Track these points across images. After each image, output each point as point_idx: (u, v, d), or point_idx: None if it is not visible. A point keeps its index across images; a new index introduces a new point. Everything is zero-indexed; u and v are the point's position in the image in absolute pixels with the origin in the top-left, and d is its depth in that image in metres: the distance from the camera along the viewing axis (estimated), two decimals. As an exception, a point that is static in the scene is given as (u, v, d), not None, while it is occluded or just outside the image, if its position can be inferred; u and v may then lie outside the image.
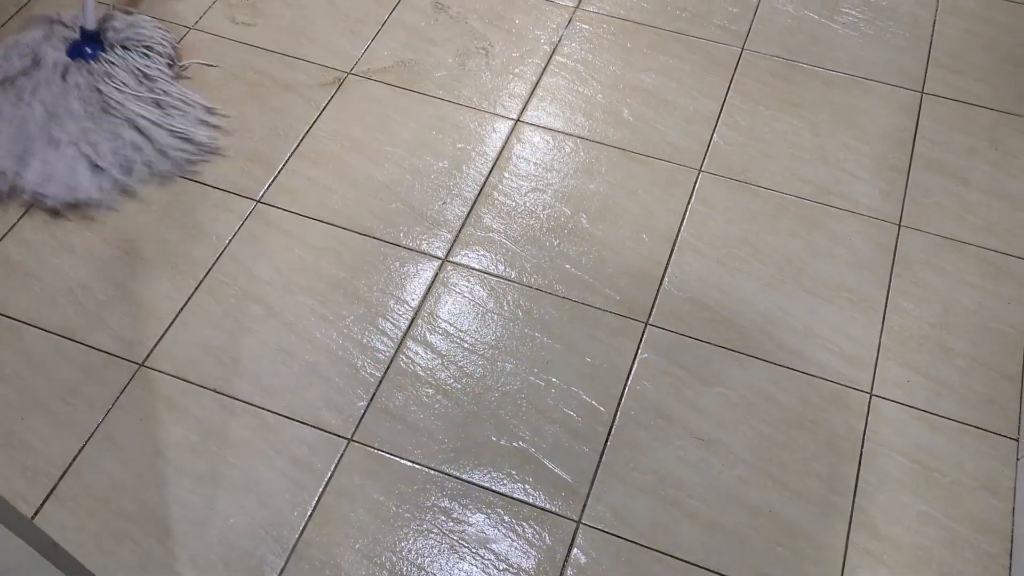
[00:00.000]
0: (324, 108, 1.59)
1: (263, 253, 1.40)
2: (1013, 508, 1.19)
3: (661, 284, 1.39)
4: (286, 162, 1.51)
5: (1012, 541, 1.16)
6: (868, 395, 1.28)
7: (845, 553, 1.15)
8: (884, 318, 1.36)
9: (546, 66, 1.66)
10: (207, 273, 1.38)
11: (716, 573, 1.14)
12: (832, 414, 1.27)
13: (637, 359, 1.31)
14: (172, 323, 1.32)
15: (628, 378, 1.29)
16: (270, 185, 1.48)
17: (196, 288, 1.36)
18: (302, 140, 1.54)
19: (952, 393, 1.28)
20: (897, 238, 1.44)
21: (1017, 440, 1.24)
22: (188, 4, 1.73)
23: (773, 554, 1.15)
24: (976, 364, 1.31)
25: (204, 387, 1.26)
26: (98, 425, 1.22)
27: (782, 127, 1.57)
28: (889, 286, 1.39)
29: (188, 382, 1.27)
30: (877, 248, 1.43)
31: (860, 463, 1.23)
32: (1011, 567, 1.14)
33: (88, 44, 1.55)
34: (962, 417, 1.26)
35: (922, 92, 1.62)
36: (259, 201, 1.46)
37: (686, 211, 1.47)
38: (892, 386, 1.29)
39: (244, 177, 1.49)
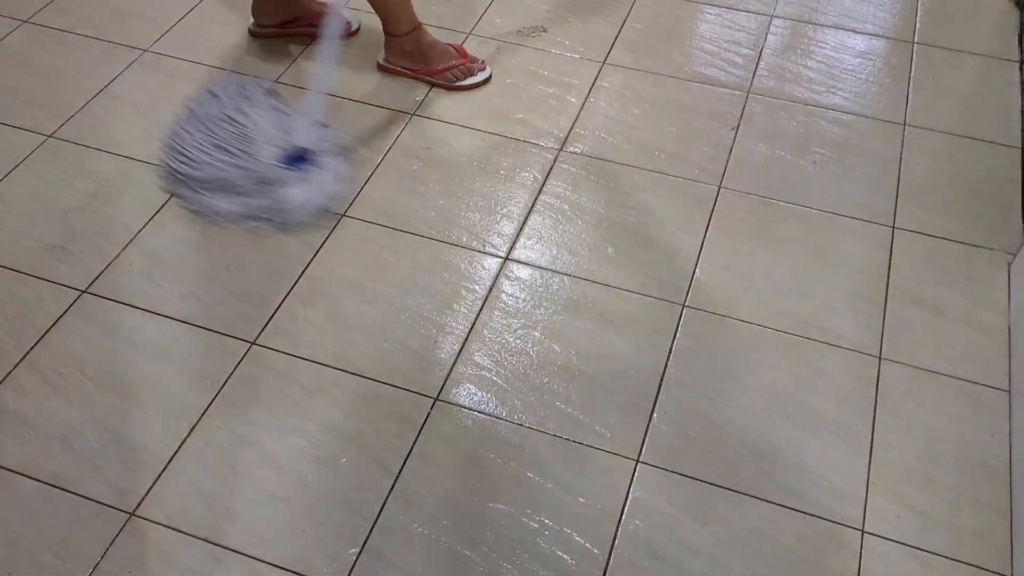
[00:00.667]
0: (319, 249, 1.64)
1: (257, 396, 1.42)
2: (1013, 649, 1.18)
3: (650, 420, 1.41)
4: (281, 303, 1.55)
5: None
6: (860, 532, 1.29)
7: None
8: (871, 451, 1.38)
9: (532, 205, 1.73)
10: (200, 417, 1.39)
11: None
12: (826, 553, 1.27)
13: (629, 498, 1.32)
14: (164, 469, 1.33)
15: (621, 518, 1.30)
16: (265, 326, 1.51)
17: (189, 433, 1.37)
18: (297, 281, 1.58)
19: (942, 528, 1.29)
20: (878, 370, 1.48)
21: (1011, 576, 1.24)
22: (189, 150, 1.81)
23: None
24: (963, 498, 1.33)
25: (195, 536, 1.26)
26: (86, 579, 1.21)
27: (761, 263, 1.64)
28: (874, 419, 1.42)
29: (179, 531, 1.26)
30: (859, 381, 1.46)
31: (856, 604, 1.22)
32: None
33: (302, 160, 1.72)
34: (953, 554, 1.27)
35: (893, 227, 1.70)
36: (254, 343, 1.49)
37: (672, 346, 1.51)
38: (883, 522, 1.30)
39: (239, 319, 1.52)
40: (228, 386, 1.43)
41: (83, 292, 1.55)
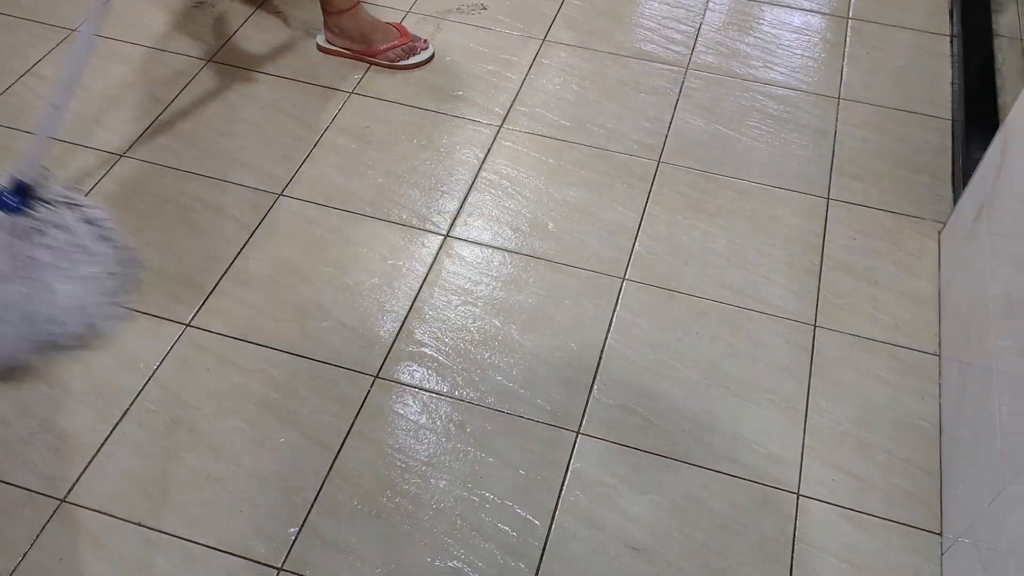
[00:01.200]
0: (255, 230, 1.61)
1: (192, 378, 1.40)
2: (941, 603, 1.21)
3: (591, 392, 1.42)
4: (217, 284, 1.52)
5: (943, 636, 1.18)
6: (796, 496, 1.31)
7: (782, 659, 1.16)
8: (806, 418, 1.40)
9: (473, 182, 1.72)
10: (133, 401, 1.36)
11: None
12: (763, 517, 1.29)
13: (569, 470, 1.32)
14: (95, 455, 1.30)
15: (561, 490, 1.30)
16: (200, 308, 1.49)
17: (121, 417, 1.34)
18: (233, 262, 1.56)
19: (875, 490, 1.32)
20: (813, 339, 1.50)
21: (940, 534, 1.28)
22: (114, 132, 1.76)
23: (712, 665, 1.15)
24: (896, 460, 1.36)
25: (129, 521, 1.23)
26: (15, 568, 1.18)
27: (699, 235, 1.65)
28: (809, 386, 1.44)
29: (112, 516, 1.23)
30: (795, 349, 1.49)
31: (792, 565, 1.24)
32: (944, 664, 1.16)
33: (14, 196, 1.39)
34: (887, 514, 1.30)
35: (828, 198, 1.73)
36: (188, 325, 1.46)
37: (612, 319, 1.52)
38: (818, 485, 1.32)
39: (174, 302, 1.49)
40: (162, 369, 1.40)
41: (9, 277, 1.51)
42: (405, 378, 1.42)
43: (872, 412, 1.41)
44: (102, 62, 1.91)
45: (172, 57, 1.94)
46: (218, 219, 1.62)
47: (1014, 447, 1.09)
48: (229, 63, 1.93)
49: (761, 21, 2.14)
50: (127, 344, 1.43)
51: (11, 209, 1.38)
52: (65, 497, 1.25)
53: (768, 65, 2.02)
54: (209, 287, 1.52)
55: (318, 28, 1.98)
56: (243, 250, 1.58)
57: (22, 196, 1.39)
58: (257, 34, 2.01)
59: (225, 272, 1.54)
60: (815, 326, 1.52)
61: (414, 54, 1.95)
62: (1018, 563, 1.00)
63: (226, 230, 1.61)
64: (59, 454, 1.29)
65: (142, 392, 1.37)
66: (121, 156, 1.72)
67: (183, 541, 1.22)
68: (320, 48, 1.97)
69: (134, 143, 1.75)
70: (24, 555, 1.19)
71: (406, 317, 1.50)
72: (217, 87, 1.88)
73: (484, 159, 1.77)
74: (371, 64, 1.95)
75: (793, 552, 1.25)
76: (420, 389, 1.41)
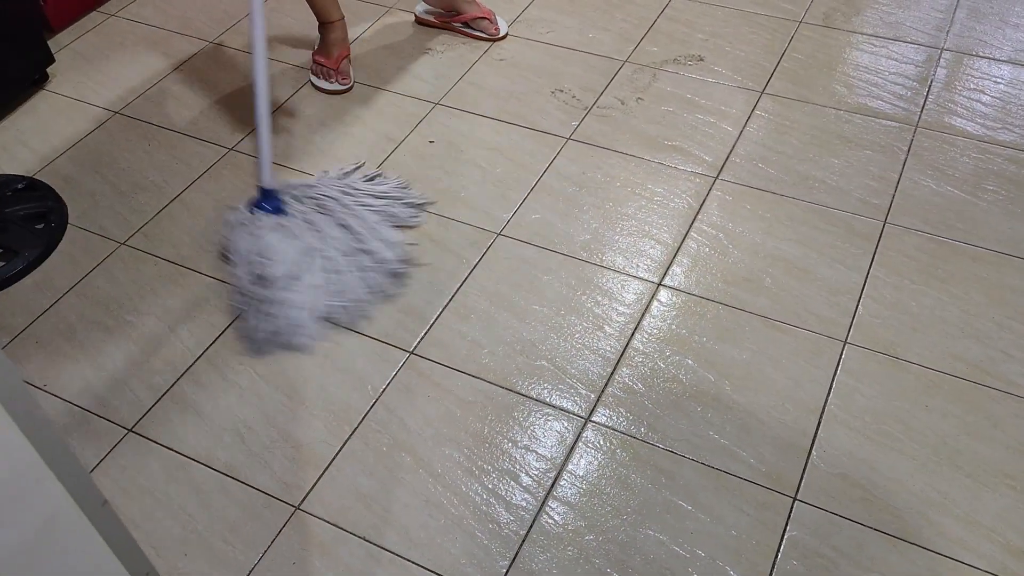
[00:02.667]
0: (475, 266, 1.68)
1: (414, 404, 1.47)
2: None
3: (809, 457, 1.37)
4: (439, 316, 1.60)
5: None
6: (1041, 595, 1.20)
7: None
8: (1053, 510, 1.29)
9: (687, 232, 1.72)
10: (362, 420, 1.44)
11: None
12: (1001, 613, 1.19)
13: (786, 536, 1.28)
14: (327, 468, 1.38)
15: (777, 556, 1.26)
16: (423, 337, 1.56)
17: (351, 435, 1.43)
18: (454, 296, 1.63)
19: None
20: (1062, 424, 1.38)
21: None
22: (351, 162, 1.90)
23: None
24: None
25: (354, 534, 1.30)
26: (254, 566, 1.27)
27: (930, 302, 1.56)
28: (1056, 475, 1.32)
29: (340, 528, 1.31)
30: (1040, 433, 1.37)
31: (1037, 672, 1.13)
32: None
33: (267, 201, 1.71)
34: None
35: (1078, 272, 1.59)
36: (412, 352, 1.54)
37: (832, 383, 1.46)
38: (1068, 587, 1.21)
39: (400, 329, 1.58)
40: (387, 392, 1.48)
41: (256, 295, 1.65)
42: (615, 423, 1.43)
43: None
44: (344, 102, 2.07)
45: (403, 99, 2.07)
46: (441, 253, 1.71)
47: None
48: (456, 107, 2.04)
49: (998, 79, 2.02)
50: (357, 365, 1.52)
51: (274, 212, 1.69)
52: (300, 505, 1.34)
53: (1007, 126, 1.90)
54: (432, 318, 1.59)
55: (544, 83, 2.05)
56: (463, 285, 1.65)
57: (273, 200, 1.70)
58: (481, 80, 2.12)
59: (447, 305, 1.61)
60: (1064, 411, 1.40)
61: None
62: None
63: (448, 264, 1.69)
64: (295, 463, 1.39)
65: (369, 413, 1.45)
66: (356, 189, 1.85)
67: (403, 560, 1.27)
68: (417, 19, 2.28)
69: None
70: (263, 554, 1.28)
71: (617, 362, 1.51)
72: (444, 128, 1.98)
73: (699, 210, 1.76)
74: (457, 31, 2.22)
75: (1038, 658, 1.15)
76: (629, 436, 1.41)
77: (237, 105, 2.08)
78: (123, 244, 1.76)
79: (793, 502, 1.32)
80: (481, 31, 2.23)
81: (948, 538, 1.26)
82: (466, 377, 1.50)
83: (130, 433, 1.45)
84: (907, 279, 1.60)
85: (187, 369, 1.53)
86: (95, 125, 2.05)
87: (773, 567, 1.25)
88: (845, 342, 1.52)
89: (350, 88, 2.09)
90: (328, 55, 2.08)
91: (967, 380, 1.45)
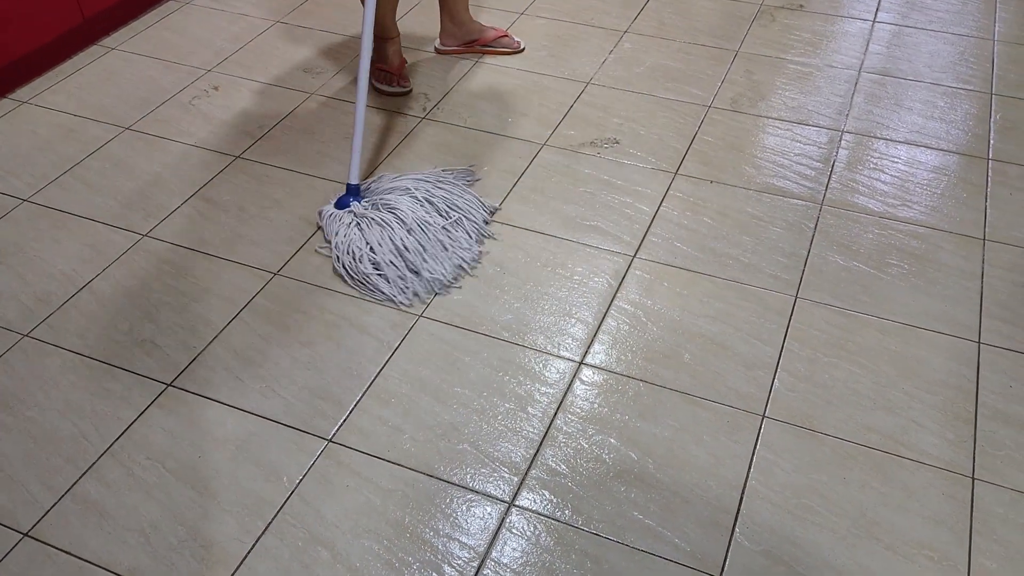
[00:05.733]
0: (396, 349, 1.66)
1: (332, 494, 1.42)
2: None
3: (732, 535, 1.36)
4: (358, 402, 1.56)
5: None
6: (963, 667, 1.20)
7: None
8: (970, 579, 1.30)
9: (607, 311, 1.74)
10: (276, 514, 1.39)
11: None
12: None
13: (712, 618, 1.26)
14: (238, 568, 1.31)
15: (704, 640, 1.24)
16: (342, 424, 1.52)
17: (264, 530, 1.36)
18: (374, 380, 1.60)
19: (1055, 667, 1.20)
20: (972, 492, 1.41)
21: None
22: (269, 251, 1.87)
23: None
24: (1076, 634, 1.24)
25: (266, 638, 1.23)
26: None
27: (842, 374, 1.60)
28: (970, 545, 1.34)
29: (250, 632, 1.24)
30: (953, 502, 1.40)
31: None
32: None
33: (352, 196, 1.93)
34: None
35: (979, 342, 1.66)
36: (330, 440, 1.50)
37: (752, 458, 1.47)
38: (988, 657, 1.21)
39: (317, 416, 1.53)
40: (304, 483, 1.43)
41: (168, 385, 1.59)
42: (539, 507, 1.40)
43: (1045, 578, 1.30)
44: (260, 186, 2.05)
45: (320, 181, 2.07)
46: (361, 337, 1.68)
47: None
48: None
49: (895, 159, 2.14)
50: (272, 456, 1.47)
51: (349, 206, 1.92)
52: (207, 608, 1.27)
53: (906, 203, 2.00)
54: (351, 404, 1.56)
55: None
56: (383, 369, 1.62)
57: (357, 196, 1.94)
58: (403, 162, 2.13)
59: (367, 390, 1.58)
60: (973, 479, 1.43)
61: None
62: None
63: (368, 348, 1.66)
64: (204, 563, 1.32)
65: (284, 506, 1.40)
66: (274, 274, 1.82)
67: (318, 664, 1.20)
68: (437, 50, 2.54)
69: (288, 262, 1.85)
70: (165, 666, 1.20)
71: (541, 444, 1.50)
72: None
73: (618, 288, 1.79)
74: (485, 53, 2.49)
75: None
76: (554, 520, 1.38)
77: (152, 191, 2.05)
78: (26, 336, 1.69)
79: (719, 582, 1.30)
80: (504, 47, 2.51)
81: (871, 612, 1.26)
82: (386, 464, 1.46)
83: (25, 538, 1.36)
84: (820, 352, 1.64)
85: (90, 466, 1.46)
86: (2, 213, 1.98)
87: (701, 651, 1.22)
88: (763, 416, 1.53)
89: (410, 91, 2.36)
90: (389, 63, 2.34)
91: (881, 451, 1.48)
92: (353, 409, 1.55)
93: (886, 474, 1.44)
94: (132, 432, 1.51)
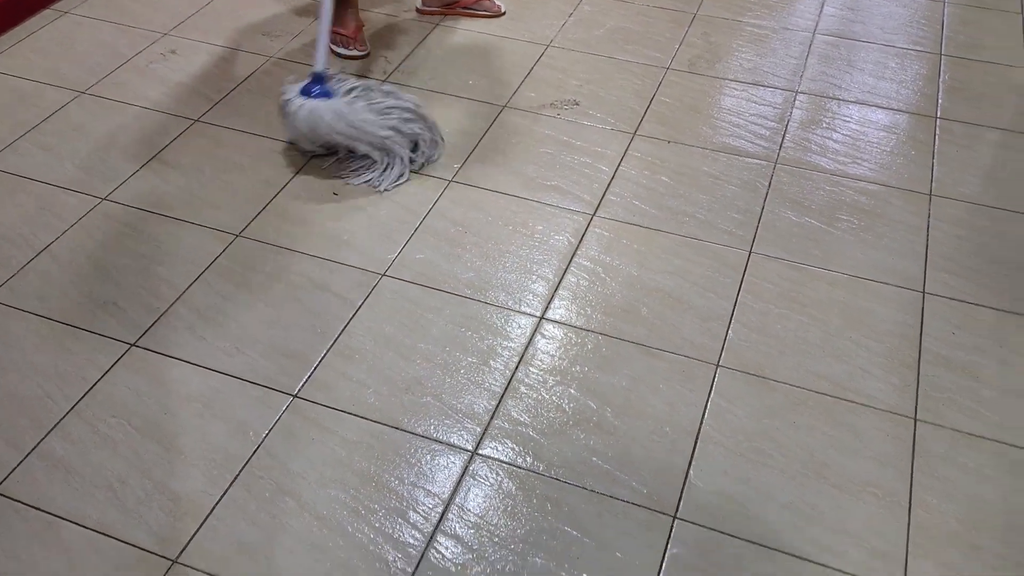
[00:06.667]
0: (359, 308, 1.68)
1: (298, 447, 1.44)
2: None
3: (687, 478, 1.41)
4: (322, 359, 1.58)
5: None
6: (903, 594, 1.27)
7: None
8: (910, 515, 1.37)
9: (567, 267, 1.77)
10: (243, 467, 1.41)
11: None
12: (868, 614, 1.25)
13: (667, 555, 1.31)
14: (207, 518, 1.34)
15: (659, 575, 1.29)
16: (306, 381, 1.55)
17: (232, 483, 1.39)
18: (338, 338, 1.62)
19: (988, 591, 1.27)
20: (914, 433, 1.48)
21: (1060, 642, 1.22)
22: (231, 213, 1.88)
23: None
24: (1010, 564, 1.31)
25: (235, 585, 1.26)
26: (127, 625, 1.21)
27: (793, 325, 1.66)
28: (912, 482, 1.41)
29: (220, 579, 1.27)
30: (897, 443, 1.47)
31: (902, 667, 1.20)
32: None
33: (317, 84, 1.96)
34: (1001, 617, 1.25)
35: (923, 292, 1.72)
36: (295, 396, 1.52)
37: (707, 405, 1.52)
38: (926, 584, 1.28)
39: (282, 374, 1.56)
40: (270, 438, 1.46)
41: (132, 345, 1.60)
42: (502, 455, 1.44)
43: (982, 512, 1.37)
44: (219, 149, 2.05)
45: (282, 145, 2.07)
46: (325, 296, 1.70)
47: None
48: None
49: (848, 119, 2.19)
50: (238, 412, 1.49)
51: (322, 95, 1.95)
52: (177, 558, 1.29)
53: (856, 161, 2.05)
54: (315, 361, 1.58)
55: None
56: (347, 327, 1.65)
57: (322, 83, 1.96)
58: (363, 125, 2.14)
59: (330, 347, 1.61)
60: (915, 420, 1.50)
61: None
62: None
63: (332, 307, 1.68)
64: (173, 516, 1.34)
65: (251, 459, 1.42)
66: (236, 236, 1.83)
67: (287, 607, 1.24)
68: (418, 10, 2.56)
69: (249, 224, 1.85)
70: (136, 613, 1.23)
71: (503, 395, 1.53)
72: (328, 176, 1.99)
73: (578, 245, 1.82)
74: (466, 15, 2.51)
75: (903, 653, 1.21)
76: (516, 467, 1.43)
77: (110, 155, 2.03)
78: (-14, 299, 1.68)
79: (673, 521, 1.36)
80: (484, 10, 2.53)
81: (819, 546, 1.33)
82: (351, 418, 1.49)
83: (-9, 496, 1.37)
84: (772, 304, 1.70)
85: (55, 425, 1.47)
86: (-44, 177, 1.96)
87: (656, 586, 1.28)
88: (717, 365, 1.59)
89: (367, 55, 2.36)
90: (346, 26, 2.33)
91: (830, 396, 1.54)
92: (318, 366, 1.57)
93: (834, 418, 1.50)
94: (97, 392, 1.52)
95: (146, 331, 1.63)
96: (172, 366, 1.57)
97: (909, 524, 1.36)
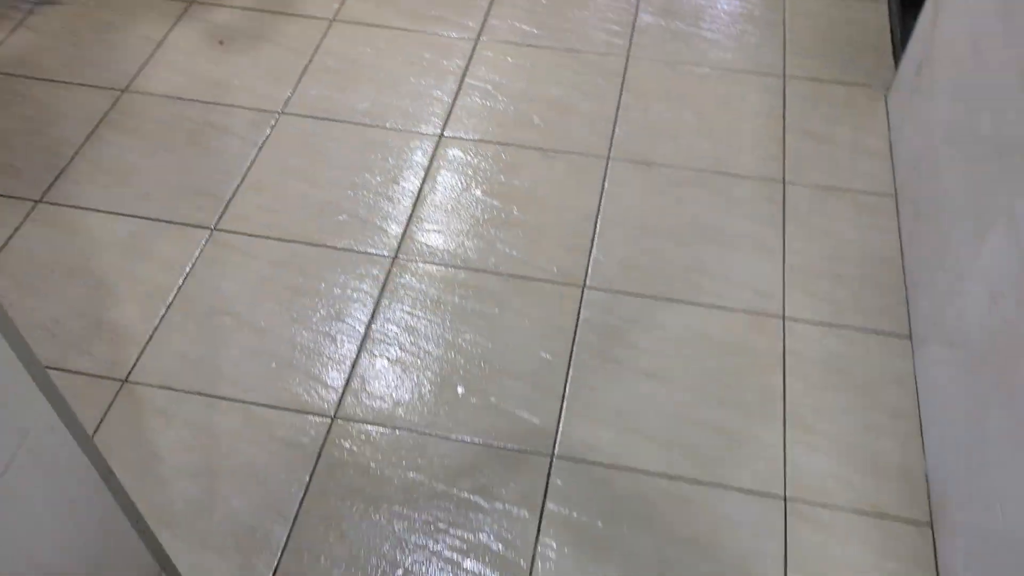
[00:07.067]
0: (263, 145, 1.72)
1: (225, 273, 1.51)
2: (917, 393, 1.39)
3: (591, 254, 1.56)
4: (234, 194, 1.63)
5: (920, 421, 1.36)
6: (782, 320, 1.48)
7: (785, 448, 1.32)
8: (784, 258, 1.56)
9: (459, 89, 1.85)
10: (175, 296, 1.47)
11: (677, 479, 1.28)
12: (756, 339, 1.45)
13: (580, 317, 1.47)
14: (149, 342, 1.41)
15: (575, 333, 1.45)
16: (222, 215, 1.60)
17: (167, 310, 1.45)
18: (247, 174, 1.67)
19: (851, 310, 1.49)
20: (784, 193, 1.67)
21: (911, 338, 1.45)
22: (113, 71, 1.85)
23: (724, 458, 1.31)
24: (867, 284, 1.53)
25: (189, 392, 1.35)
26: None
27: (671, 116, 1.80)
28: (784, 233, 1.60)
29: (173, 390, 1.35)
30: (769, 203, 1.65)
31: (785, 375, 1.41)
32: (924, 443, 1.33)
33: None
34: (863, 326, 1.47)
35: (784, 76, 1.89)
36: (214, 229, 1.57)
37: (602, 192, 1.66)
38: (801, 310, 1.49)
39: (197, 211, 1.60)
40: (196, 268, 1.52)
41: (38, 202, 1.60)
42: (422, 255, 1.55)
43: (842, 248, 1.58)
44: (89, 12, 1.99)
45: (153, 1, 2.02)
46: (226, 138, 1.73)
47: (962, 260, 1.26)
48: (211, 2, 2.03)
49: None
50: (161, 250, 1.54)
51: None
52: (127, 378, 1.36)
53: (717, -32, 2.17)
54: (227, 196, 1.63)
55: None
56: (254, 163, 1.69)
57: None
58: (235, -24, 2.11)
59: (241, 183, 1.65)
60: (784, 183, 1.68)
61: None
62: (974, 351, 1.18)
63: (234, 147, 1.72)
64: (115, 344, 1.40)
65: (182, 288, 1.48)
66: (123, 91, 1.81)
67: (242, 403, 1.34)
68: None
69: (134, 78, 1.84)
70: (95, 430, 1.30)
71: (414, 205, 1.63)
72: (204, 24, 1.97)
73: (466, 68, 1.90)
74: None
75: (785, 364, 1.42)
76: (435, 264, 1.54)
77: (-29, 27, 1.95)
78: None
79: (583, 291, 1.51)
80: None
81: (710, 293, 1.51)
82: (273, 242, 1.56)
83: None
84: (651, 101, 1.83)
85: (-24, 282, 1.48)
86: None
87: (573, 343, 1.44)
88: (608, 158, 1.72)
89: None
90: None
91: (709, 171, 1.70)
92: (231, 200, 1.62)
93: (713, 189, 1.67)
94: (11, 249, 1.53)
95: (50, 187, 1.63)
96: (85, 216, 1.59)
97: (784, 266, 1.55)
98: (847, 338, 1.45)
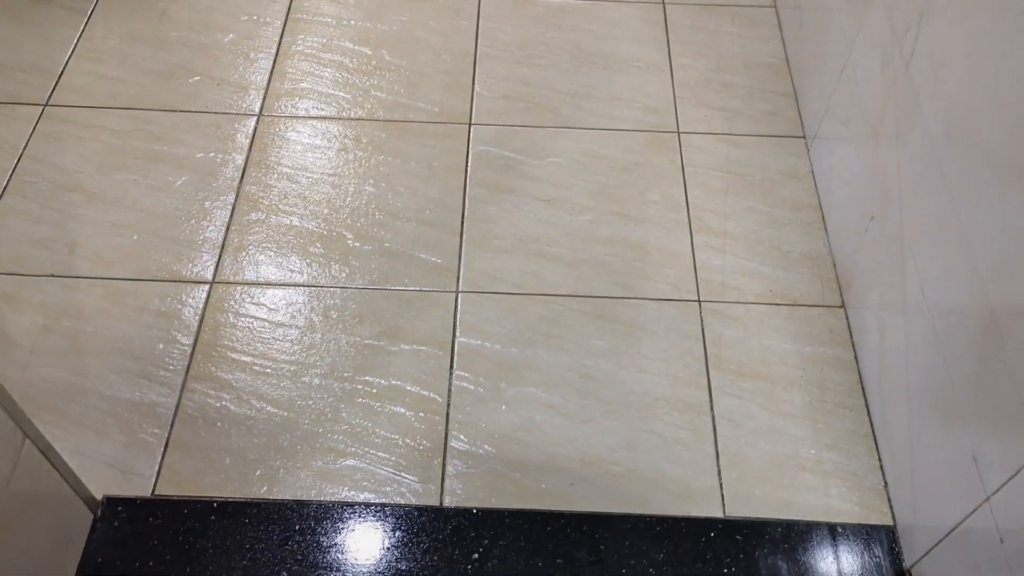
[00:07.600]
0: (91, 13, 1.52)
1: (65, 148, 1.34)
2: (815, 185, 1.37)
3: (473, 91, 1.46)
4: (66, 65, 1.44)
5: (822, 209, 1.34)
6: (676, 134, 1.42)
7: (693, 253, 1.28)
8: (672, 75, 1.51)
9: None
10: (10, 178, 1.30)
11: (588, 297, 1.23)
12: (652, 155, 1.40)
13: (470, 153, 1.38)
14: (-15, 228, 1.24)
15: (467, 170, 1.36)
16: (55, 89, 1.41)
17: (2, 194, 1.28)
18: (77, 43, 1.48)
19: (743, 117, 1.45)
20: (664, 13, 1.60)
21: (804, 136, 1.43)
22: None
23: (633, 269, 1.26)
24: (755, 91, 1.49)
25: (41, 275, 1.19)
26: (-70, 334, 1.13)
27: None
28: (669, 51, 1.54)
29: (22, 275, 1.19)
30: (650, 24, 1.58)
31: (685, 185, 1.36)
32: (827, 229, 1.32)
33: None
34: (757, 131, 1.43)
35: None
36: (47, 104, 1.39)
37: (477, 29, 1.55)
38: (694, 122, 1.44)
39: (25, 87, 1.41)
40: (30, 146, 1.34)
41: None
42: (290, 110, 1.42)
43: (727, 59, 1.53)
44: None
45: None
46: (48, 9, 1.52)
47: (847, 35, 1.23)
48: None
49: None
50: (-16, 132, 1.35)
51: None
52: (-36, 267, 1.19)
53: None
54: (58, 69, 1.44)
55: None
56: (84, 31, 1.49)
57: None
58: None
59: (72, 53, 1.46)
60: (663, 3, 1.62)
61: None
62: (871, 117, 1.15)
63: (59, 17, 1.51)
64: (-57, 234, 1.23)
65: (16, 169, 1.31)
66: (-84, -31, 1.57)
67: (103, 280, 1.20)
68: None
69: (-73, -44, 1.59)
70: (-64, 324, 1.14)
71: (275, 60, 1.48)
72: None
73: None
74: None
75: (684, 175, 1.37)
76: (308, 117, 1.41)
77: None
78: None
79: (469, 128, 1.41)
80: None
81: (601, 116, 1.44)
82: (117, 111, 1.39)
83: None
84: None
85: None
86: None
87: (466, 179, 1.35)
88: (479, -5, 1.61)
89: None
90: None
91: (585, 0, 1.62)
92: (63, 72, 1.43)
93: (592, 16, 1.59)
94: None
95: None
96: None
97: (672, 82, 1.50)
98: (742, 144, 1.41)
